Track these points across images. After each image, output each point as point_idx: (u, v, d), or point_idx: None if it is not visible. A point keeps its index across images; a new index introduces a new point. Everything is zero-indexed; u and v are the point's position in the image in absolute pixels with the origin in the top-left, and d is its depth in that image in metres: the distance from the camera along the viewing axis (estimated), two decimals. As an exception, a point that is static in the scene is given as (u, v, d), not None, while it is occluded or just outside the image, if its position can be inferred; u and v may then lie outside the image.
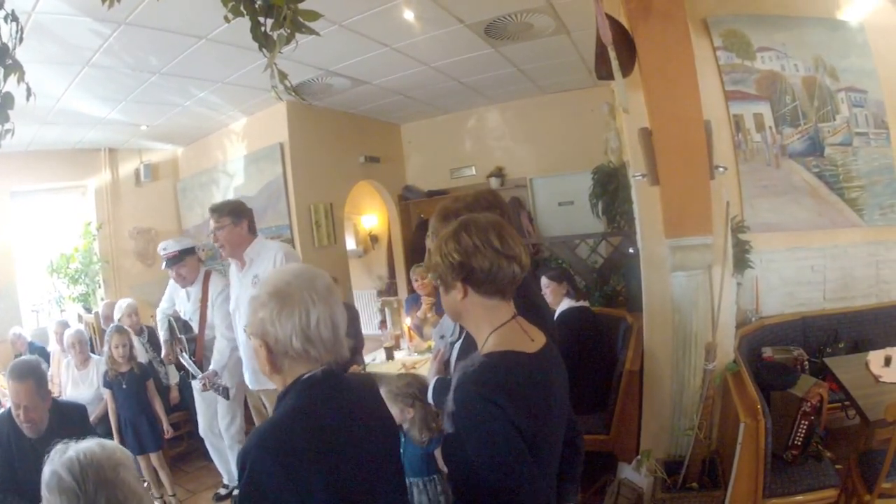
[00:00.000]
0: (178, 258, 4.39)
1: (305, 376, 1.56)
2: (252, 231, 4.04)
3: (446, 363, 2.27)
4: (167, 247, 4.42)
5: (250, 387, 4.18)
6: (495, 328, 1.64)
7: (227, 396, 4.24)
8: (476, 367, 1.54)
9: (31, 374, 3.02)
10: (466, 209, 2.10)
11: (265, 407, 4.23)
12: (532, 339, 1.66)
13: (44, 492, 1.53)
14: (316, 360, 1.56)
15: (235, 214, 3.95)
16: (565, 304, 4.51)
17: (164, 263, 4.47)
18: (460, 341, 2.12)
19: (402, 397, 2.89)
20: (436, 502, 2.86)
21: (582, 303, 4.58)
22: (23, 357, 3.23)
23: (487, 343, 1.63)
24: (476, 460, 1.52)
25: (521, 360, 1.58)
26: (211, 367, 4.21)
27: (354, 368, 4.51)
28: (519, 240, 1.67)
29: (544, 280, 4.56)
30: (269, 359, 1.56)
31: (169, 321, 4.56)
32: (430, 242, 2.20)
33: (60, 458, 1.55)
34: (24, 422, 3.02)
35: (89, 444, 1.59)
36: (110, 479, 1.53)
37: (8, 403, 3.13)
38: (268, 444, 1.45)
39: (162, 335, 4.72)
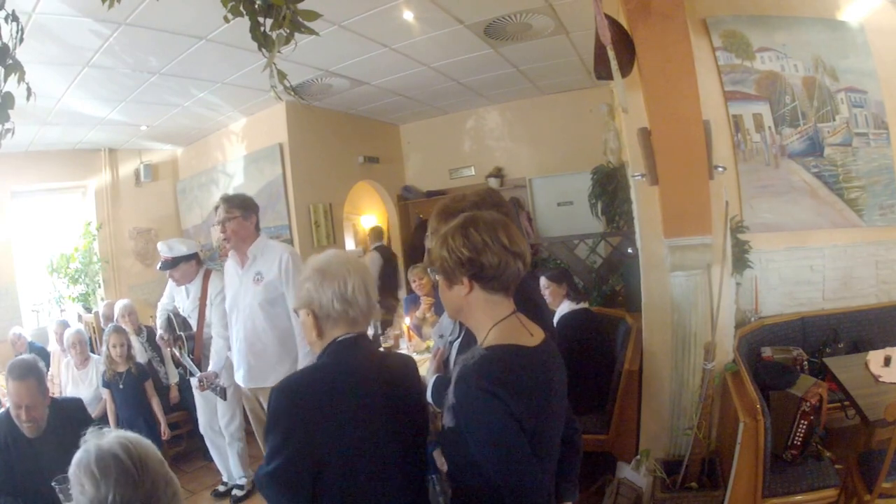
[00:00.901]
0: (170, 264, 4.40)
1: (340, 338, 1.77)
2: (258, 228, 4.06)
3: (445, 362, 2.26)
4: (161, 251, 4.42)
5: (243, 385, 4.16)
6: (496, 322, 1.66)
7: (224, 397, 4.24)
8: (477, 360, 1.55)
9: (31, 373, 3.01)
10: (473, 207, 2.08)
11: (262, 407, 4.21)
12: (531, 334, 1.67)
13: (88, 474, 1.42)
14: (354, 322, 1.79)
15: (245, 208, 3.97)
16: (565, 306, 4.46)
17: (159, 263, 4.48)
18: (459, 340, 2.12)
19: None
20: (434, 503, 2.85)
21: (582, 304, 4.54)
22: (20, 356, 3.21)
23: (488, 337, 1.65)
24: (477, 454, 1.54)
25: (521, 354, 1.60)
26: (210, 367, 4.22)
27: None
28: (522, 237, 1.70)
29: (544, 281, 4.51)
30: (315, 324, 1.79)
31: (168, 316, 4.56)
32: (429, 242, 2.18)
33: (105, 438, 1.48)
34: (25, 421, 2.99)
35: (130, 433, 1.54)
36: (162, 474, 1.49)
37: (7, 404, 3.12)
38: (284, 388, 1.68)
39: (159, 324, 4.71)
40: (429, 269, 1.83)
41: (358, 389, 1.72)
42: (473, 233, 1.64)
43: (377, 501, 1.73)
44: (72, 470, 1.46)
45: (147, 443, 1.55)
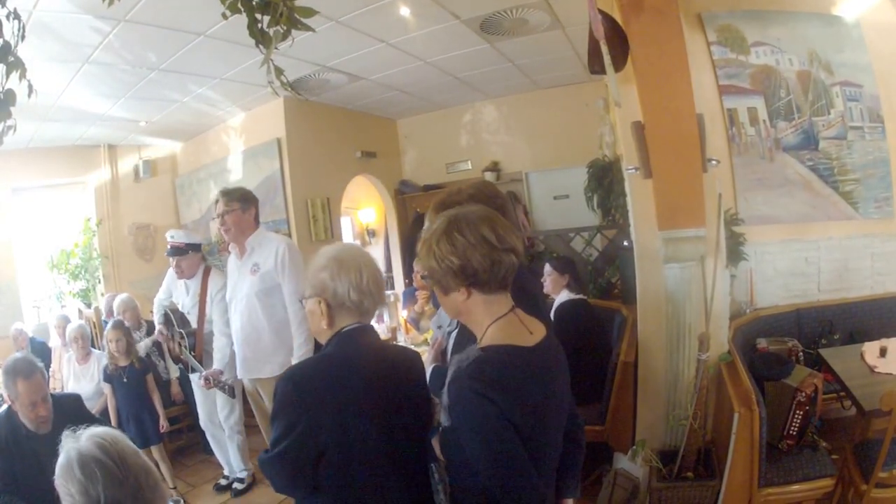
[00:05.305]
0: (182, 250, 4.42)
1: (347, 328, 1.83)
2: (257, 220, 4.13)
3: (443, 352, 2.29)
4: (175, 236, 4.46)
5: (240, 375, 4.22)
6: (494, 320, 1.62)
7: (232, 395, 4.27)
8: (471, 362, 1.53)
9: (36, 369, 3.01)
10: (470, 200, 2.05)
11: (262, 397, 4.24)
12: (531, 332, 1.64)
13: (74, 482, 1.44)
14: (367, 312, 1.86)
15: (244, 201, 4.04)
16: (564, 295, 4.51)
17: (168, 250, 4.49)
18: (457, 330, 2.13)
19: None
20: (433, 490, 2.89)
21: (580, 295, 4.57)
22: (14, 356, 3.17)
23: (486, 336, 1.62)
24: (471, 454, 1.53)
25: (517, 355, 1.57)
26: (215, 365, 4.24)
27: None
28: (511, 228, 1.65)
29: (547, 267, 4.59)
30: (328, 313, 1.82)
31: (166, 312, 4.56)
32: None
33: (81, 441, 1.50)
34: (38, 418, 2.98)
35: (102, 429, 1.56)
36: (140, 464, 1.52)
37: (6, 402, 3.12)
38: (291, 376, 1.74)
39: (156, 320, 4.73)
40: (422, 277, 1.85)
41: (362, 380, 1.74)
42: (457, 236, 1.57)
43: (373, 491, 1.75)
44: (57, 480, 1.48)
45: (121, 436, 1.58)
